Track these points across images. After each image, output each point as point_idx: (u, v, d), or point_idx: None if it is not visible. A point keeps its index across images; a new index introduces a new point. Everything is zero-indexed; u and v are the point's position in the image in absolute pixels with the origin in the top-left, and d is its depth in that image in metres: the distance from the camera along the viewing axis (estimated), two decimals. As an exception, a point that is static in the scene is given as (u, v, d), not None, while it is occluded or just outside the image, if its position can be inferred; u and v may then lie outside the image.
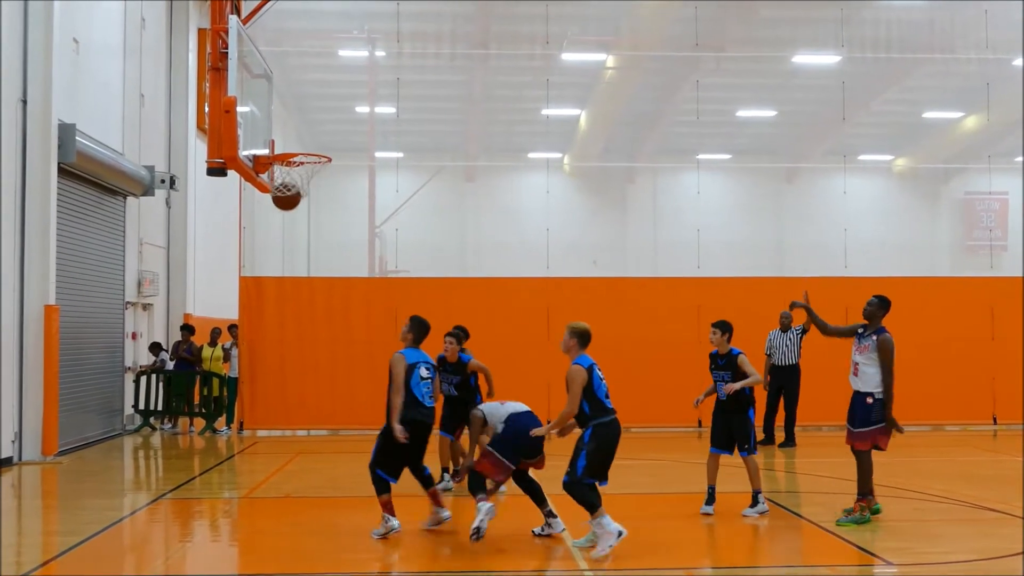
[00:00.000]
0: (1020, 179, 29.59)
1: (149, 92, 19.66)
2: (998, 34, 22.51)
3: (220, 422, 18.72)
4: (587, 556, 8.36)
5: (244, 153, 13.85)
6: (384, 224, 26.99)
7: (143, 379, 18.52)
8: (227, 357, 18.92)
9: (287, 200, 14.41)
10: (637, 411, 17.76)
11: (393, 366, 9.16)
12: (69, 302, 15.72)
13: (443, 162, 31.74)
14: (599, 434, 8.44)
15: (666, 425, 18.30)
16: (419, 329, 9.44)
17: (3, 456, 13.77)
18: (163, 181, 18.88)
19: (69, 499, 12.36)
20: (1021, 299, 18.76)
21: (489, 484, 9.01)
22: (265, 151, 14.89)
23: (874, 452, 9.83)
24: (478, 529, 8.55)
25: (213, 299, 22.76)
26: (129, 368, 18.88)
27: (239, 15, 14.22)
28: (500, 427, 9.11)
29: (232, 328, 19.31)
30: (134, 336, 19.47)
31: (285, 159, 14.90)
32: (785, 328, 16.14)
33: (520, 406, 9.29)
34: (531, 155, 31.60)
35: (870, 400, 9.71)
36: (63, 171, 15.30)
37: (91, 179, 16.66)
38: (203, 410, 18.64)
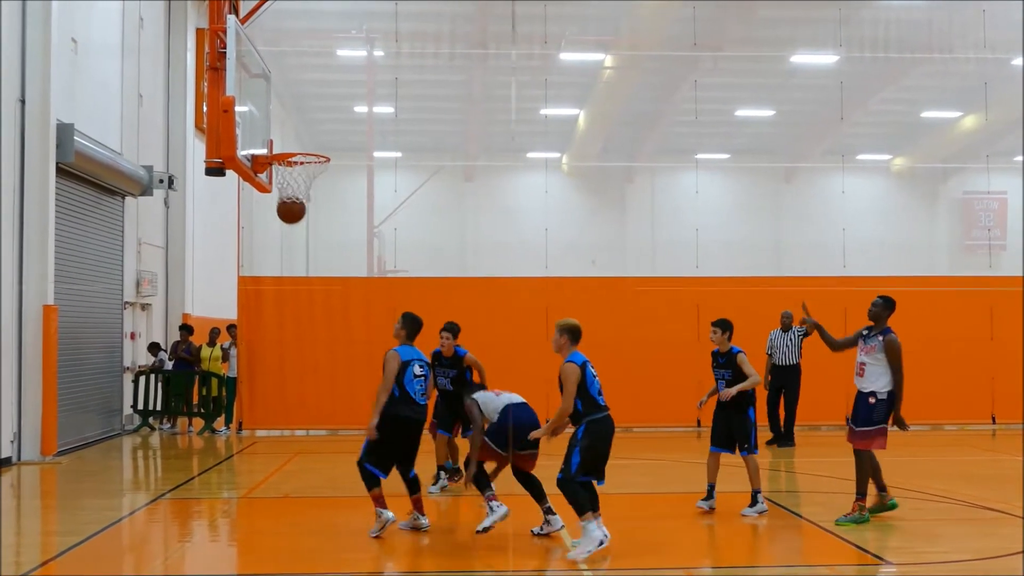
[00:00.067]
0: (1019, 179, 29.59)
1: (147, 92, 19.65)
2: (996, 34, 22.52)
3: (219, 422, 18.71)
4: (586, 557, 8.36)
5: (242, 153, 13.82)
6: (383, 224, 26.98)
7: (142, 379, 18.51)
8: (226, 357, 18.91)
9: (292, 212, 14.32)
10: (636, 411, 17.79)
11: (387, 363, 9.17)
12: (68, 302, 15.71)
13: (442, 162, 31.73)
14: (592, 431, 8.43)
15: (665, 425, 18.31)
16: (412, 325, 9.46)
17: (2, 456, 13.76)
18: (161, 181, 18.87)
19: (68, 499, 12.36)
20: (1020, 299, 18.77)
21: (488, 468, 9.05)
22: (264, 151, 14.86)
23: (877, 451, 9.83)
24: (486, 529, 8.52)
25: (212, 299, 22.75)
26: (128, 368, 18.87)
27: (237, 15, 14.19)
28: (495, 417, 9.13)
29: (231, 328, 19.30)
30: (133, 336, 19.46)
31: (284, 159, 14.88)
32: (786, 328, 16.15)
33: (515, 397, 9.32)
34: (530, 155, 31.59)
35: (872, 400, 9.71)
36: (61, 171, 15.29)
37: (89, 179, 16.65)
38: (202, 410, 18.63)
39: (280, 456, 15.33)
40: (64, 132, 14.98)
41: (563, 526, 9.03)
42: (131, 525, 10.42)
